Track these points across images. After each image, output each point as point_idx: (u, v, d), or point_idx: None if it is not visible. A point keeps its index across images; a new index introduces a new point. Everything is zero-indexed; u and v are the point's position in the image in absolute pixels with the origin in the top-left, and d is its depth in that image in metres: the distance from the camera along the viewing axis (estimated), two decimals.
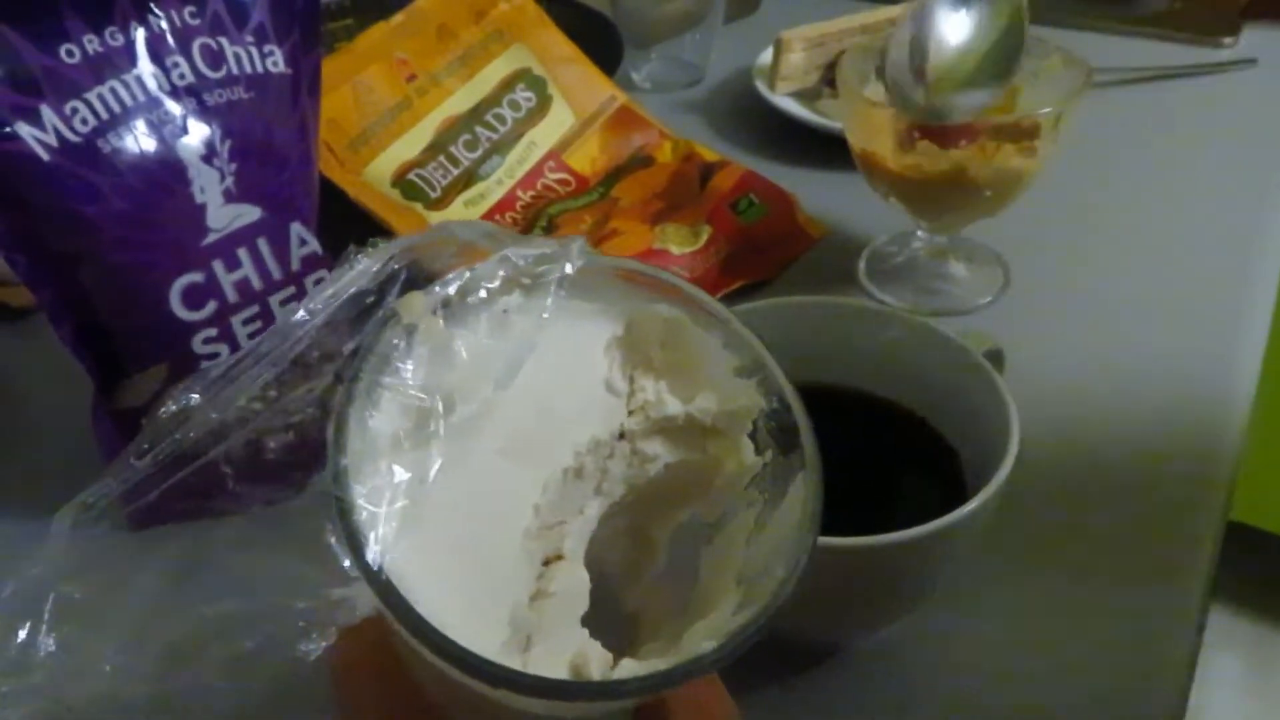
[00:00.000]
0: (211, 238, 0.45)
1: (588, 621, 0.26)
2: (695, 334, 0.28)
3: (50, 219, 0.42)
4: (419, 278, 0.26)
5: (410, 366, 0.25)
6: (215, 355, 0.46)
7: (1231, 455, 0.52)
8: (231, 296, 0.46)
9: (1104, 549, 0.47)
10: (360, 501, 0.23)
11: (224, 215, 0.45)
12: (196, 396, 0.25)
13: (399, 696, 0.28)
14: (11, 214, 0.42)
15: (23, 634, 0.24)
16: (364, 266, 0.26)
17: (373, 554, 0.23)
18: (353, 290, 0.26)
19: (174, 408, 0.25)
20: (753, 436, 0.28)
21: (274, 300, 0.47)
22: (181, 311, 0.45)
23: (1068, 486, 0.50)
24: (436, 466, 0.25)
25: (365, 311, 0.25)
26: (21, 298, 0.63)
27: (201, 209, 0.44)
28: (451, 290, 0.26)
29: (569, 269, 0.26)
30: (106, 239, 0.43)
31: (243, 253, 0.46)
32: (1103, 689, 0.42)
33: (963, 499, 0.37)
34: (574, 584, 0.26)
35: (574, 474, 0.27)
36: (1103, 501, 0.50)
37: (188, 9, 0.44)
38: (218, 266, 0.45)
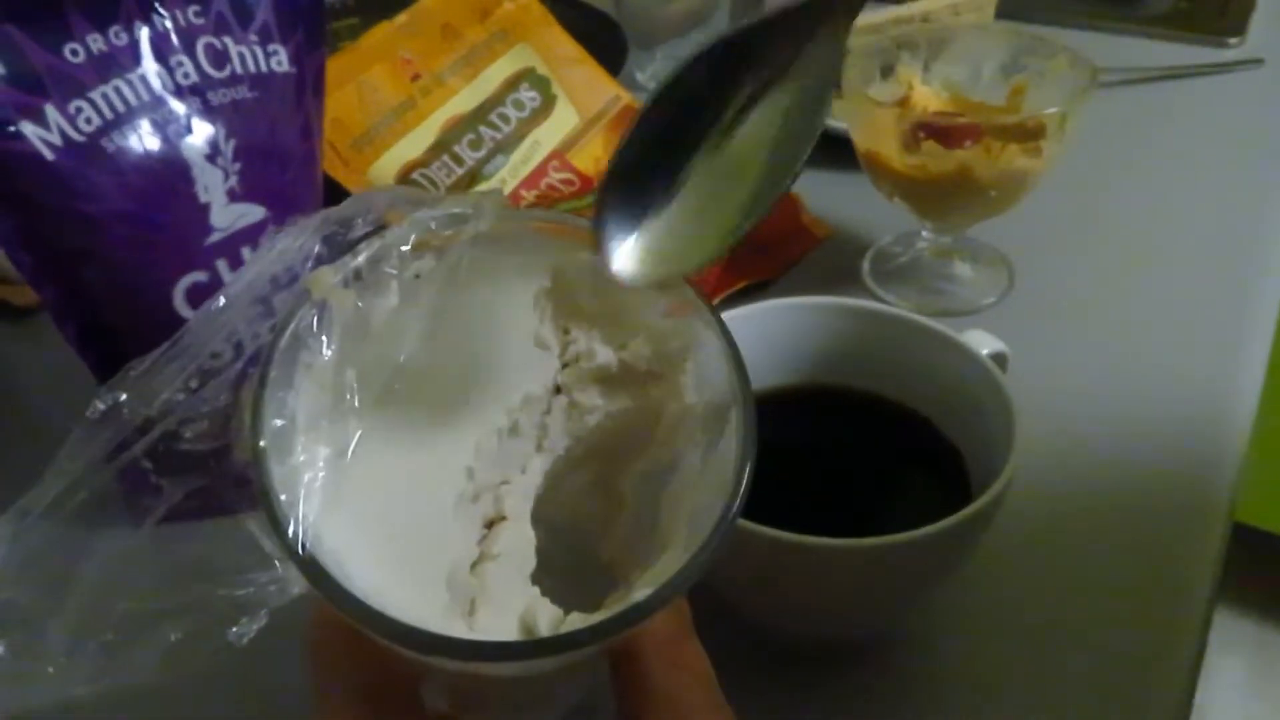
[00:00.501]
0: (215, 237, 0.45)
1: (566, 577, 0.25)
2: None
3: (54, 218, 0.42)
4: (338, 251, 0.25)
5: (324, 342, 0.25)
6: (219, 354, 0.46)
7: (1236, 456, 0.52)
8: None
9: (1107, 550, 0.47)
10: (279, 481, 0.23)
11: (228, 215, 0.45)
12: (124, 395, 0.25)
13: (372, 672, 0.27)
14: (16, 213, 0.42)
15: None
16: (284, 246, 0.25)
17: (293, 532, 0.22)
18: (273, 271, 0.25)
19: (102, 408, 0.25)
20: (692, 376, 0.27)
21: (277, 300, 0.47)
22: (186, 310, 0.45)
23: (1071, 487, 0.50)
24: (356, 440, 0.24)
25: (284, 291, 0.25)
26: (25, 297, 0.63)
27: (205, 208, 0.44)
28: (362, 260, 0.25)
29: (482, 227, 0.26)
30: (110, 238, 0.43)
31: (247, 252, 0.46)
32: (1106, 690, 0.42)
33: (966, 500, 0.37)
34: (518, 543, 0.26)
35: (509, 432, 0.26)
36: (1106, 503, 0.49)
37: (192, 8, 0.44)
38: (222, 266, 0.45)
